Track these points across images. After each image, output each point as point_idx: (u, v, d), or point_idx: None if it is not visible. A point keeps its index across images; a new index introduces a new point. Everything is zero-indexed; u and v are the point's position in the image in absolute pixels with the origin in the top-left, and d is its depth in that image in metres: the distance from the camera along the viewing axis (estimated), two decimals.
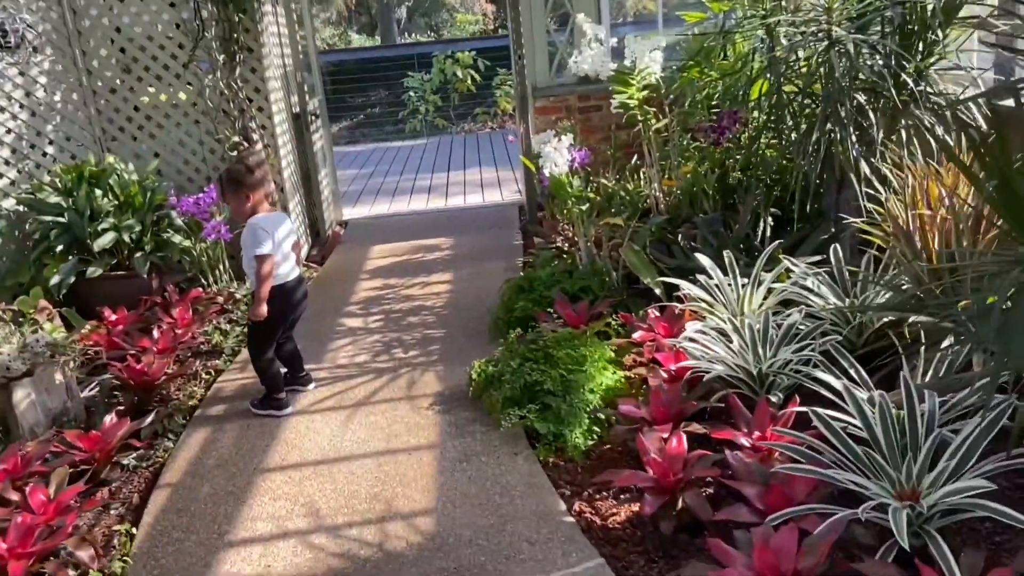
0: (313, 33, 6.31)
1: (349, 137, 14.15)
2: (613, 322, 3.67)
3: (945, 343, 2.70)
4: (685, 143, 4.76)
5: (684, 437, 2.60)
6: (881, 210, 3.51)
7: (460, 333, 4.16)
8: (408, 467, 2.92)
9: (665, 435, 2.62)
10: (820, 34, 3.62)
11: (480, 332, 4.12)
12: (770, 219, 4.14)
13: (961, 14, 3.60)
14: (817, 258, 3.64)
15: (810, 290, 3.33)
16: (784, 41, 3.98)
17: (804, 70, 3.91)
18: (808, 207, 3.82)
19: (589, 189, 4.95)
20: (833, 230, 3.86)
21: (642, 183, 5.28)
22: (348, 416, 3.35)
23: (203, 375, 3.90)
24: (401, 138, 12.67)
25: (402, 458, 2.98)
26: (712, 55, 5.15)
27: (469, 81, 13.36)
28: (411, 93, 13.35)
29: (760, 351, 2.98)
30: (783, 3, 4.02)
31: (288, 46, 5.99)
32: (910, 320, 2.90)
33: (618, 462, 2.76)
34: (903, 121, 3.68)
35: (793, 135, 3.92)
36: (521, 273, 5.02)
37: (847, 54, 3.61)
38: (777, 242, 3.60)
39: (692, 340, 3.12)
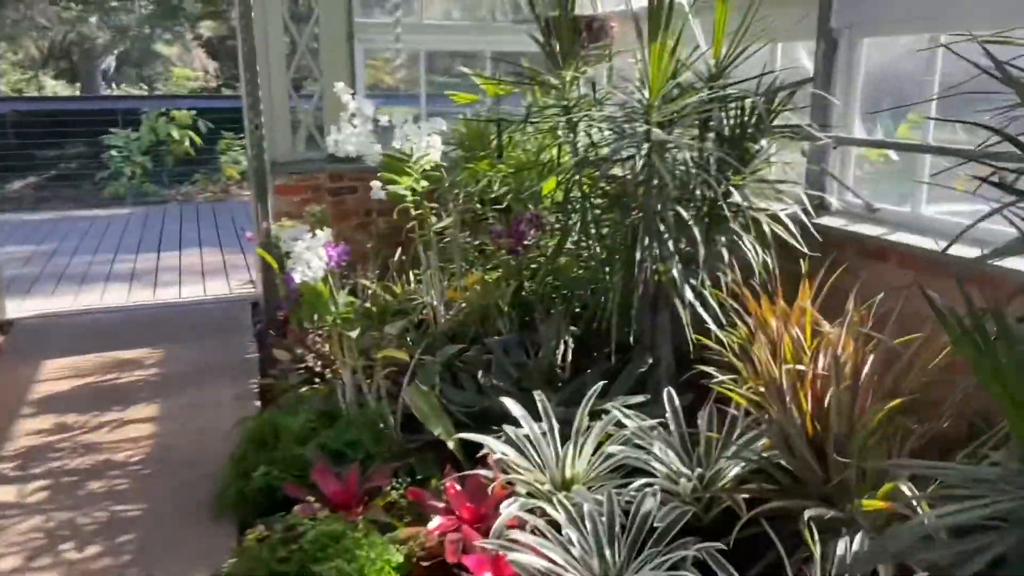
0: None
1: (36, 199, 11.75)
2: (397, 496, 2.70)
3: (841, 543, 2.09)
4: (470, 246, 3.98)
5: None
6: (707, 341, 2.97)
7: (170, 511, 2.93)
8: None
9: None
10: (636, 134, 3.05)
11: (201, 509, 2.92)
12: (570, 340, 3.47)
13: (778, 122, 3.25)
14: (639, 399, 3.00)
15: (645, 449, 2.64)
16: (587, 137, 3.39)
17: (614, 173, 3.34)
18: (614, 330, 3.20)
19: (346, 292, 3.99)
20: (650, 361, 3.26)
21: (412, 287, 4.41)
22: None
23: None
24: (100, 205, 10.67)
25: None
26: (488, 145, 4.51)
27: (187, 144, 11.75)
28: (114, 152, 11.42)
29: (609, 556, 2.19)
30: (587, 95, 3.45)
31: None
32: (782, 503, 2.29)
33: None
34: (722, 238, 3.21)
35: (596, 247, 3.31)
36: (258, 404, 3.87)
37: (666, 160, 3.08)
38: (601, 384, 2.88)
39: (515, 542, 2.24)
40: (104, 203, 10.81)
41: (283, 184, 5.31)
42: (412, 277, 4.61)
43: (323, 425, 3.07)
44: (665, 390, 2.84)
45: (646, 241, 3.06)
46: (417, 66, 5.95)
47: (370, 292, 4.30)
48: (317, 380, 3.91)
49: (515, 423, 2.82)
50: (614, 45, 4.34)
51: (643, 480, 2.45)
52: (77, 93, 21.24)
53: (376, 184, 4.84)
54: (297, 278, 3.37)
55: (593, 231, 3.31)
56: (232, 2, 5.10)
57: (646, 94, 3.01)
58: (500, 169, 3.88)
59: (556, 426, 2.78)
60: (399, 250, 5.19)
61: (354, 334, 3.00)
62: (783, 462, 2.34)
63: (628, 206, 3.31)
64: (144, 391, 4.03)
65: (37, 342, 4.74)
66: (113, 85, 23.34)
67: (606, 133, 3.31)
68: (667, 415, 2.80)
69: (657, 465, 2.55)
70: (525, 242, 3.47)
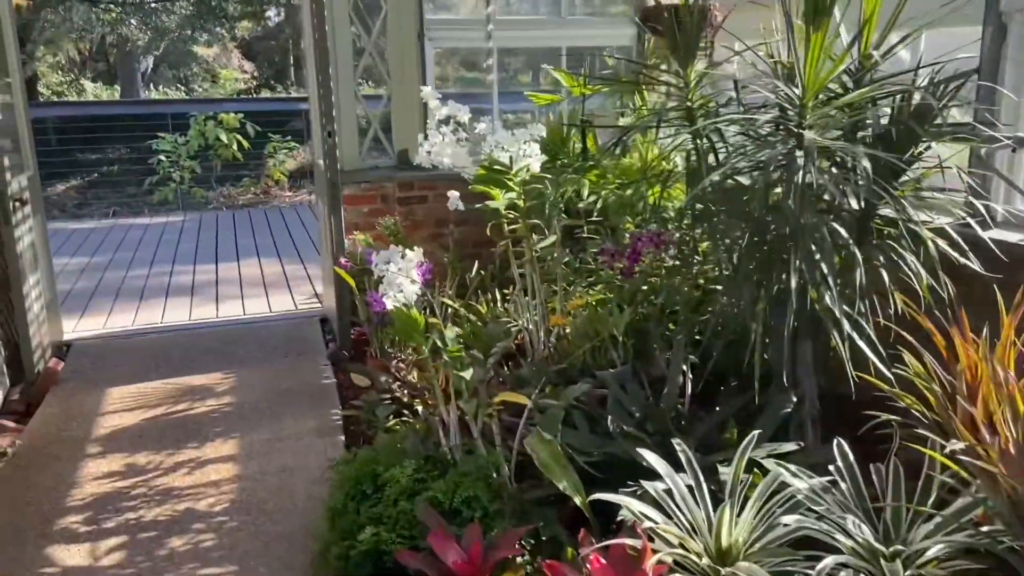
0: (22, 85, 4.45)
1: (78, 202, 11.64)
2: (530, 570, 2.34)
3: None
4: (576, 266, 3.60)
5: None
6: (871, 379, 2.56)
7: (264, 572, 2.60)
8: None
9: None
10: (787, 139, 2.64)
11: (295, 568, 2.59)
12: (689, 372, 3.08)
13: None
14: (790, 447, 2.61)
15: (819, 514, 2.24)
16: (712, 142, 2.99)
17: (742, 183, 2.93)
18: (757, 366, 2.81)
19: (427, 312, 3.65)
20: (795, 399, 2.86)
21: (503, 309, 4.05)
22: None
23: None
24: (150, 212, 10.49)
25: None
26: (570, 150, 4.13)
27: (235, 147, 11.55)
28: (162, 158, 11.24)
29: None
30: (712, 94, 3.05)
31: None
32: None
33: None
34: (880, 257, 2.80)
35: (727, 268, 2.91)
36: (342, 439, 3.54)
37: (820, 167, 2.67)
38: (756, 434, 2.49)
39: None
40: (154, 210, 10.63)
41: (350, 194, 4.99)
42: (499, 296, 4.26)
43: (430, 474, 2.71)
44: (835, 441, 2.44)
45: (795, 263, 2.66)
46: (486, 64, 5.59)
47: (450, 311, 3.95)
48: (406, 413, 3.58)
49: (647, 474, 2.45)
50: (716, 36, 3.94)
51: (831, 559, 2.06)
52: (117, 96, 21.28)
53: (454, 194, 4.48)
54: (389, 304, 3.03)
55: (723, 251, 2.92)
56: (271, 1, 4.81)
57: (798, 92, 2.60)
58: (611, 180, 3.49)
59: (703, 482, 2.40)
60: (476, 264, 4.85)
61: (468, 375, 2.64)
62: (1016, 545, 1.93)
63: (764, 222, 2.91)
64: (218, 423, 3.73)
65: (98, 367, 4.46)
66: (151, 86, 23.36)
67: (736, 137, 2.92)
68: (836, 470, 2.40)
69: (842, 537, 2.15)
70: (641, 262, 3.09)
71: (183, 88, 23.68)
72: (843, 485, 2.38)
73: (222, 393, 4.08)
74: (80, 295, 6.00)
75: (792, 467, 2.41)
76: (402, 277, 3.00)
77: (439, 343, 2.72)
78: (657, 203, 3.19)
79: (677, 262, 3.14)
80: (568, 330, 3.33)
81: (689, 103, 3.02)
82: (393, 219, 4.72)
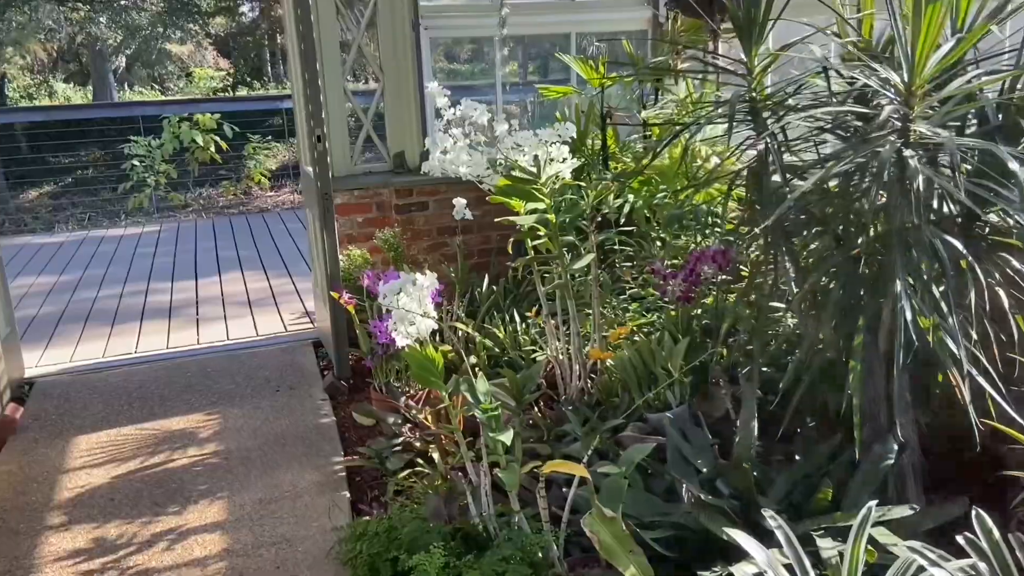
0: None
1: (50, 208, 11.05)
2: None
3: None
4: (611, 285, 3.11)
5: None
6: (1000, 427, 2.11)
7: None
8: None
9: None
10: (888, 133, 2.16)
11: None
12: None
13: None
14: (903, 511, 2.15)
15: None
16: (784, 137, 2.50)
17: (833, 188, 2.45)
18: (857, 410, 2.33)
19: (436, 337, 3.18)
20: (896, 447, 2.38)
21: (524, 335, 3.56)
22: None
23: None
24: (125, 221, 9.90)
25: None
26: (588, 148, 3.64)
27: (212, 149, 10.96)
28: (136, 162, 10.64)
29: None
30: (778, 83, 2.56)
31: None
32: None
33: None
34: (996, 274, 2.33)
35: (803, 289, 2.42)
36: (347, 496, 3.04)
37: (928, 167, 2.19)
38: (872, 505, 2.01)
39: None
40: (129, 218, 10.05)
41: (342, 203, 4.48)
42: (517, 316, 3.76)
43: (464, 561, 2.22)
44: (974, 512, 1.97)
45: (901, 285, 2.18)
46: (489, 55, 5.09)
47: (461, 335, 3.45)
48: (420, 461, 3.08)
49: (727, 550, 1.99)
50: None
51: None
52: (89, 97, 20.56)
53: (460, 202, 3.99)
54: (401, 341, 2.56)
55: (805, 270, 2.44)
56: None
57: (904, 77, 2.11)
58: (653, 186, 2.99)
59: (809, 568, 1.93)
60: (486, 279, 4.36)
61: (507, 438, 2.14)
62: None
63: (847, 234, 2.43)
64: (202, 479, 3.21)
65: (63, 411, 3.93)
66: (124, 87, 22.56)
67: (799, 130, 2.44)
68: (971, 543, 1.93)
69: None
70: (700, 285, 2.60)
71: (157, 88, 22.92)
72: (982, 566, 1.91)
73: (206, 439, 3.56)
74: (46, 322, 5.45)
75: (916, 544, 1.94)
76: (416, 304, 2.53)
77: (469, 398, 2.23)
78: (713, 212, 2.70)
79: (738, 283, 2.66)
80: (609, 363, 2.84)
81: (753, 93, 2.53)
82: (392, 231, 4.21)
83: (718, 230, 2.63)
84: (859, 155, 2.11)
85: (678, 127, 2.52)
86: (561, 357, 3.10)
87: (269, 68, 23.68)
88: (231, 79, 22.25)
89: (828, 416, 2.62)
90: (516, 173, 2.72)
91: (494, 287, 4.25)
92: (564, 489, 2.41)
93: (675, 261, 2.80)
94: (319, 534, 2.79)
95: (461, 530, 2.39)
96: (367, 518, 2.85)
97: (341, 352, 4.06)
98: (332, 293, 3.70)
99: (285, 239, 7.87)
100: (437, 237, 4.77)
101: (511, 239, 3.05)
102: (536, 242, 2.99)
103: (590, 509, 2.18)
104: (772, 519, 2.02)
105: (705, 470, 2.42)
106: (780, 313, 2.57)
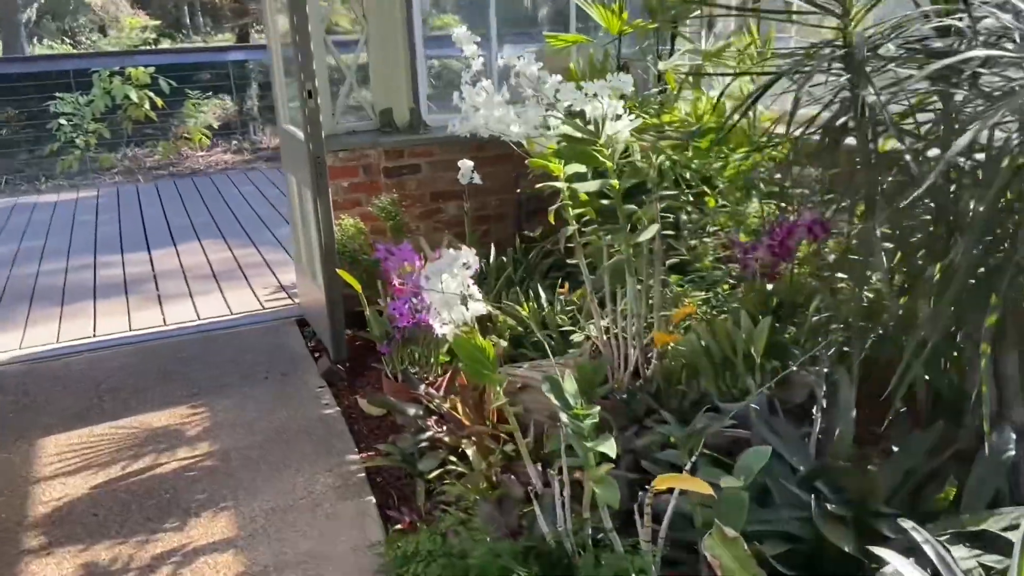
0: None
1: None
2: None
3: None
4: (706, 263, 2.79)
5: None
6: None
7: None
8: None
9: None
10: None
11: None
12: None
13: None
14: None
15: None
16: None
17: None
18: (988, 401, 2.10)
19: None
20: (1012, 451, 2.15)
21: (557, 313, 3.23)
22: None
23: None
24: (55, 186, 9.11)
25: None
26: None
27: (148, 105, 10.19)
28: (63, 121, 9.80)
29: None
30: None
31: None
32: None
33: None
34: None
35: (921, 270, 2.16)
36: (372, 502, 2.69)
37: None
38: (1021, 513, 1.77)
39: None
40: (59, 182, 9.25)
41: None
42: (540, 291, 3.43)
43: None
44: None
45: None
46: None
47: (508, 322, 3.11)
48: (453, 459, 2.75)
49: (846, 564, 1.75)
50: None
51: None
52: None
53: (467, 164, 3.65)
54: (442, 329, 2.22)
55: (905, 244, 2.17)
56: None
57: None
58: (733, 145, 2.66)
59: None
60: (492, 249, 4.01)
61: (609, 448, 1.81)
62: None
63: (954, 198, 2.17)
64: (200, 486, 2.82)
65: (23, 406, 3.46)
66: (35, 40, 20.92)
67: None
68: None
69: None
70: (792, 258, 2.30)
71: (69, 41, 21.37)
72: None
73: (195, 438, 3.15)
74: None
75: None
76: (455, 284, 2.21)
77: (554, 399, 1.89)
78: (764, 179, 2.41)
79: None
80: (672, 346, 2.54)
81: (844, 36, 2.22)
82: (390, 198, 3.81)
83: (812, 198, 2.33)
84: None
85: (759, 78, 2.19)
86: (606, 338, 2.79)
87: (188, 19, 22.41)
88: (159, 31, 20.92)
89: (917, 403, 2.39)
90: (571, 132, 2.36)
91: (503, 258, 3.90)
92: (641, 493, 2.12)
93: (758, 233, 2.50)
94: (350, 551, 2.44)
95: (534, 548, 2.08)
96: (399, 527, 2.53)
97: (338, 333, 3.67)
98: (340, 272, 3.29)
99: (240, 204, 7.31)
100: (430, 203, 4.38)
101: (550, 208, 2.70)
102: (578, 210, 2.65)
103: (693, 524, 1.90)
104: (915, 532, 1.77)
105: (803, 468, 2.16)
106: (875, 290, 2.30)
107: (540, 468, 2.37)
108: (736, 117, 2.12)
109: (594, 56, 3.83)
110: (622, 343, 2.73)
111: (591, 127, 2.41)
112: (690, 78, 3.60)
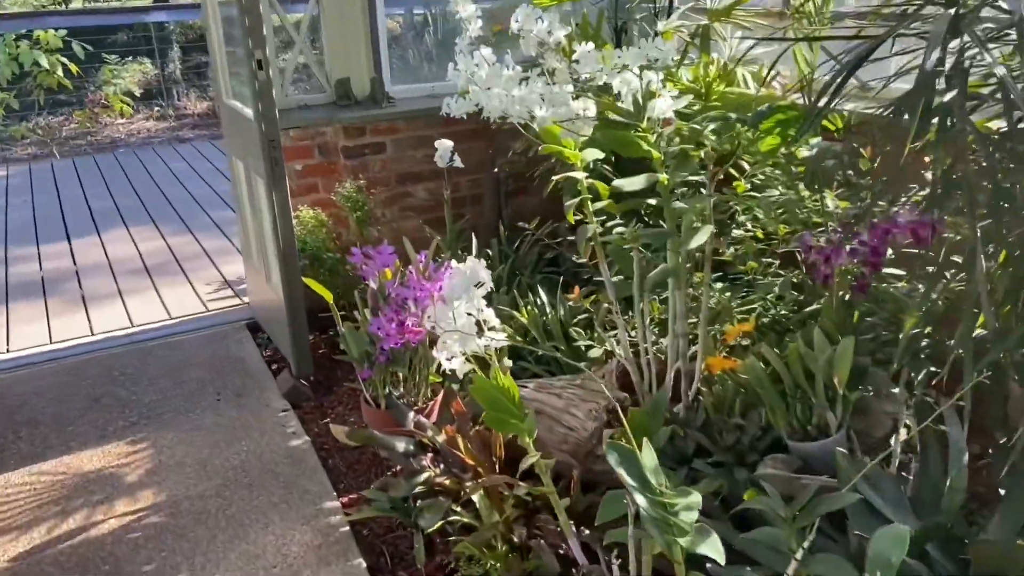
0: None
1: None
2: None
3: None
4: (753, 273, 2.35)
5: None
6: None
7: None
8: None
9: None
10: None
11: None
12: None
13: None
14: None
15: None
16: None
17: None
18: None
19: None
20: None
21: (555, 319, 2.77)
22: None
23: None
24: None
25: None
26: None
27: (60, 72, 9.23)
28: None
29: None
30: None
31: None
32: None
33: None
34: None
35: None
36: (364, 567, 2.22)
37: None
38: None
39: None
40: None
41: None
42: (542, 295, 2.96)
43: None
44: None
45: None
46: None
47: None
48: (456, 510, 2.29)
49: None
50: None
51: None
52: None
53: (445, 144, 3.14)
54: (450, 364, 1.79)
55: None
56: None
57: None
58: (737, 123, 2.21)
59: None
60: (474, 241, 3.52)
61: (713, 549, 1.38)
62: None
63: None
64: (145, 555, 2.29)
65: None
66: None
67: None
68: None
69: None
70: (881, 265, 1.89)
71: None
72: None
73: (137, 484, 2.61)
74: None
75: None
76: (471, 308, 1.78)
77: (627, 478, 1.44)
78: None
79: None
80: (726, 377, 2.11)
81: None
82: (356, 184, 3.28)
83: (916, 196, 1.91)
84: None
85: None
86: (632, 356, 2.35)
87: None
88: None
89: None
90: (612, 113, 1.89)
91: (488, 250, 3.42)
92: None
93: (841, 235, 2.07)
94: None
95: None
96: None
97: (301, 344, 3.14)
98: (310, 283, 2.76)
99: (170, 182, 6.60)
100: (397, 186, 3.85)
101: (568, 205, 2.22)
102: (599, 204, 2.19)
103: None
104: None
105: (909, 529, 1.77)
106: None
107: (574, 528, 1.94)
108: (824, 100, 1.67)
109: (587, 16, 3.34)
110: (654, 361, 2.30)
111: (625, 106, 1.94)
112: (695, 40, 3.17)
